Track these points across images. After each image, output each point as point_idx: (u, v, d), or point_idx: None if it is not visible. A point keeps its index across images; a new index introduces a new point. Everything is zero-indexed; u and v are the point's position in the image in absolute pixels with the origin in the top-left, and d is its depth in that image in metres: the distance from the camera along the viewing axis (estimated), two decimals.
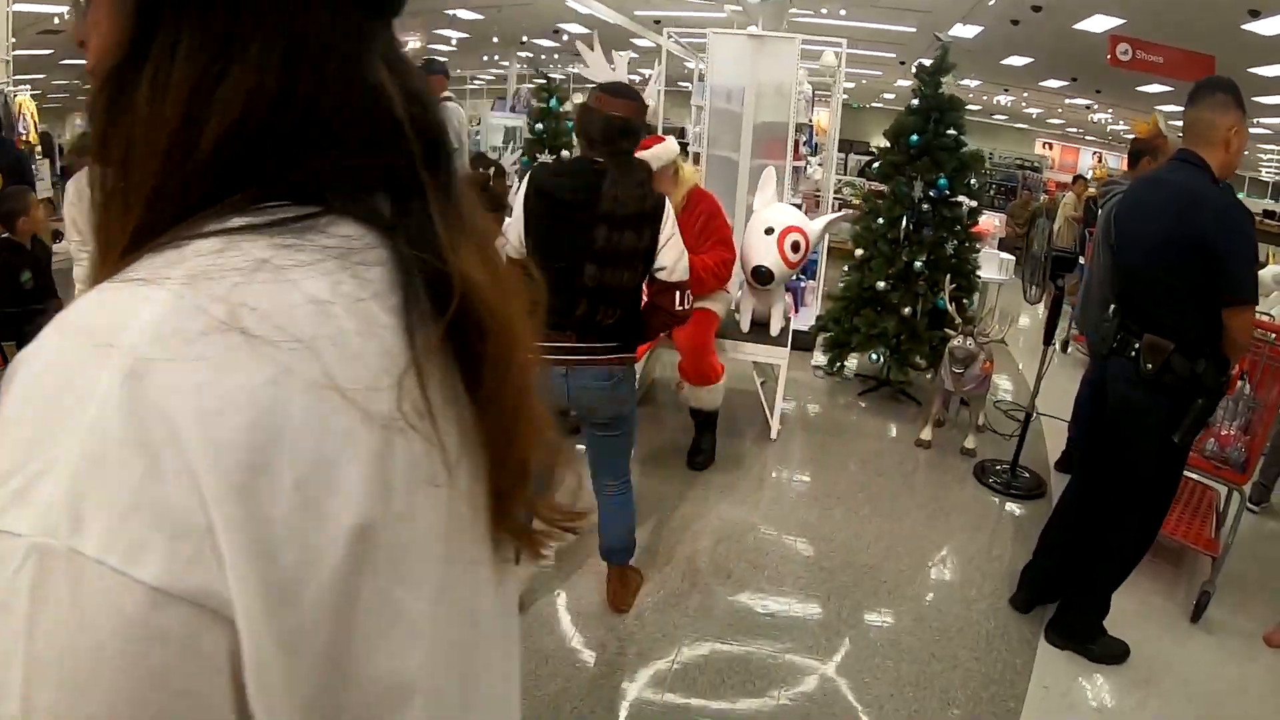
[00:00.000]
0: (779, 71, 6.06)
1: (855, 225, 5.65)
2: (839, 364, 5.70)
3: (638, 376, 5.06)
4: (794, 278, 6.75)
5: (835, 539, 3.88)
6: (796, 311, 6.88)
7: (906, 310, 5.30)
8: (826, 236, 6.71)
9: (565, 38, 18.06)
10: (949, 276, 4.99)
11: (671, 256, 2.86)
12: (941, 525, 4.10)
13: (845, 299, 5.64)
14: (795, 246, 4.52)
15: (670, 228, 2.85)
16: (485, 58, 21.13)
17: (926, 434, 4.97)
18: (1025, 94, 19.95)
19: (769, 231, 4.54)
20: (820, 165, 7.90)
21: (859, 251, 5.56)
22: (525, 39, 18.60)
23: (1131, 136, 4.49)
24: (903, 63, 16.95)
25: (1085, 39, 11.57)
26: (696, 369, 4.38)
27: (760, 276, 4.51)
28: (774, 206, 4.73)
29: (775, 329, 4.80)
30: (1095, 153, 26.58)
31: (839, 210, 7.79)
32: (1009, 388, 6.38)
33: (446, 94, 5.73)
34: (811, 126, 8.05)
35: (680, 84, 16.50)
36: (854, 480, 4.52)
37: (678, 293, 2.91)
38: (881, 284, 5.34)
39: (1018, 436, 4.54)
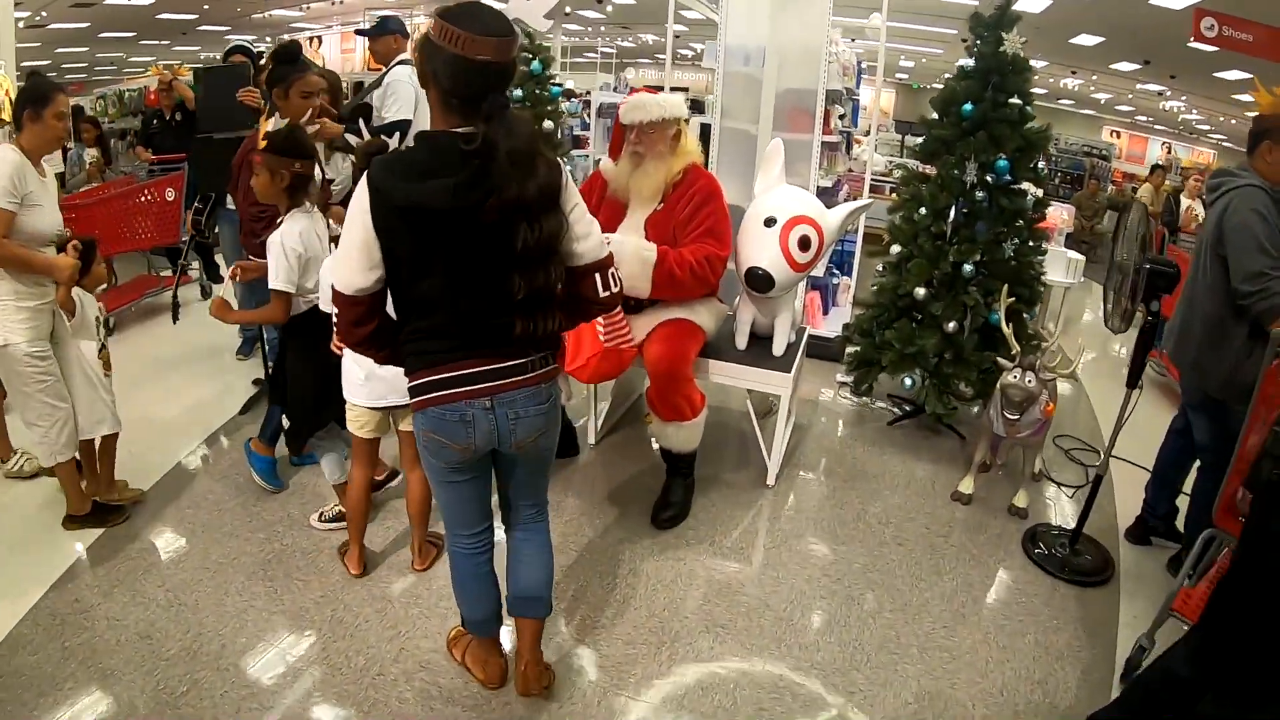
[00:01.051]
0: (805, 30, 4.85)
1: (893, 216, 4.44)
2: (866, 385, 4.52)
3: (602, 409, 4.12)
4: (825, 272, 5.73)
5: (821, 650, 2.76)
6: (826, 313, 5.69)
7: (951, 325, 4.09)
8: (862, 223, 5.49)
9: (610, 8, 16.91)
10: (1006, 286, 3.75)
11: (583, 230, 2.06)
12: (971, 627, 2.93)
13: (876, 307, 4.44)
14: (804, 243, 3.35)
15: (574, 194, 2.06)
16: (530, 29, 20.02)
17: (967, 486, 3.78)
18: (1094, 77, 18.33)
19: (770, 223, 3.38)
20: (870, 147, 6.65)
21: (895, 249, 4.35)
22: (569, 10, 17.44)
23: (1253, 114, 3.18)
24: (965, 40, 15.49)
25: (1162, 16, 10.43)
26: (666, 400, 3.28)
27: (756, 282, 3.36)
28: (779, 190, 3.56)
29: (779, 347, 3.65)
30: (1165, 143, 24.69)
31: (860, 198, 6.56)
32: (1072, 416, 5.06)
33: (403, 56, 4.75)
34: (856, 102, 6.79)
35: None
36: (865, 550, 3.36)
37: (597, 275, 2.10)
38: (921, 291, 4.14)
39: (1083, 495, 3.35)
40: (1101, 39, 13.63)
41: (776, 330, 3.64)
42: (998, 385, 3.44)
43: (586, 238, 2.04)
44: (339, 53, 18.01)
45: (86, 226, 5.65)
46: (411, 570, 3.04)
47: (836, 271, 5.99)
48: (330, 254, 2.88)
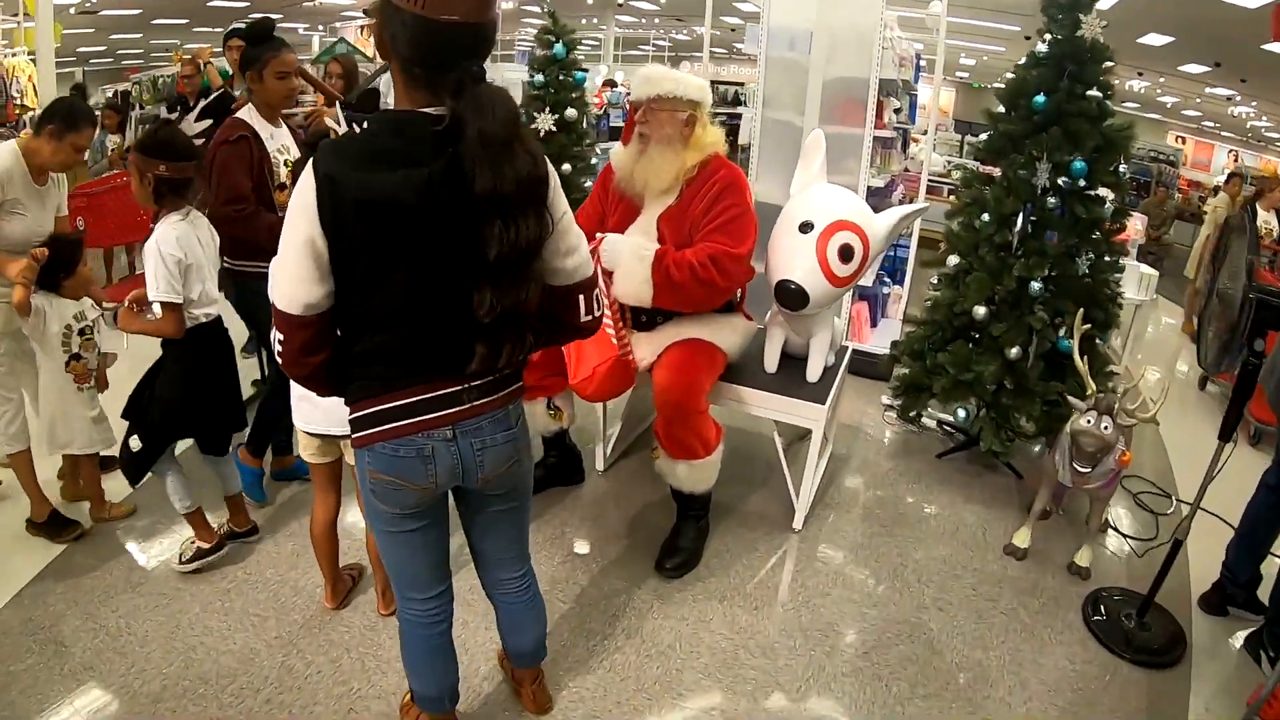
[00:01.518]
0: (857, 12, 4.30)
1: (951, 221, 3.87)
2: (914, 413, 3.97)
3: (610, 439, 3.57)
4: (874, 280, 5.15)
5: None
6: (874, 325, 5.12)
7: (1013, 351, 3.51)
8: (918, 227, 4.90)
9: (664, 1, 16.44)
10: (1081, 311, 3.16)
11: (571, 243, 1.68)
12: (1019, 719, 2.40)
13: (929, 325, 3.86)
14: (846, 253, 2.82)
15: (562, 200, 1.66)
16: (584, 20, 19.64)
17: (1022, 539, 3.20)
18: (1161, 79, 17.38)
19: (805, 229, 2.86)
20: (929, 145, 6.06)
21: (953, 259, 3.77)
22: (621, 1, 17.02)
23: None
24: (1028, 38, 14.74)
25: (1237, 15, 9.54)
26: (674, 436, 2.79)
27: (786, 298, 2.84)
28: (818, 190, 3.02)
29: (814, 372, 3.12)
30: (1231, 150, 23.48)
31: (914, 202, 5.96)
32: (1137, 449, 4.36)
33: None
34: (914, 98, 6.19)
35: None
36: (900, 616, 2.82)
37: (581, 297, 1.73)
38: (981, 310, 3.56)
39: (1154, 552, 2.75)
40: (1171, 39, 12.84)
41: (812, 352, 3.11)
42: (1067, 429, 2.88)
43: (574, 252, 1.67)
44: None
45: (97, 214, 5.36)
46: (377, 613, 2.64)
47: (888, 280, 5.40)
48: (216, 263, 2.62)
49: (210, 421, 2.79)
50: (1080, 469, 2.81)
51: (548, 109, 4.68)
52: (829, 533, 3.26)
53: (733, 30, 15.85)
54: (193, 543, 2.84)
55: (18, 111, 6.29)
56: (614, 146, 3.04)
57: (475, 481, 1.73)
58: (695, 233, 2.78)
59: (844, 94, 4.42)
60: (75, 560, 2.89)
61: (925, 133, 7.02)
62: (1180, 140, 24.44)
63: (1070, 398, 2.93)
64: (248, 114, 3.00)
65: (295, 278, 1.49)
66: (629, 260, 2.71)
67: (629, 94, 4.42)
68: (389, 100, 4.17)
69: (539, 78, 4.71)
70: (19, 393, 2.96)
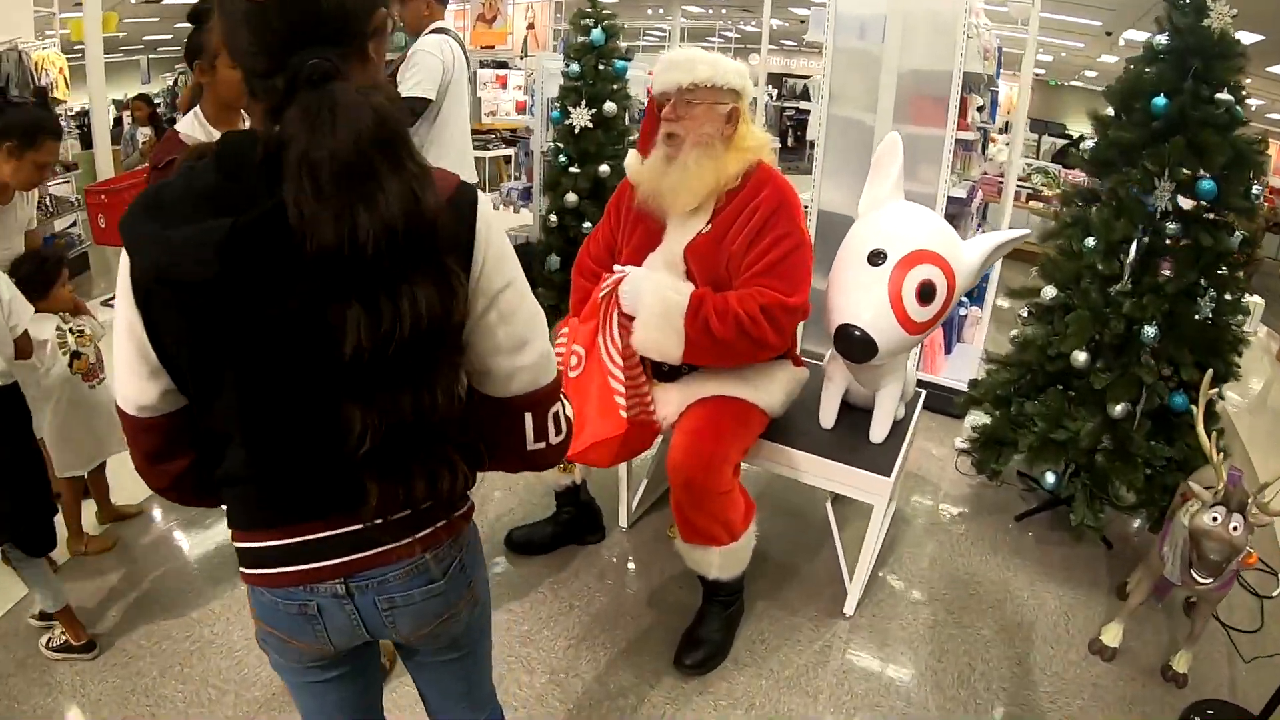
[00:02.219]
0: None
1: (1048, 245, 3.20)
2: (992, 467, 3.31)
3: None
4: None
5: None
6: (949, 351, 4.44)
7: (1119, 408, 2.85)
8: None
9: None
10: (1210, 373, 2.45)
11: (515, 333, 1.08)
12: None
13: (1017, 367, 3.21)
14: (926, 292, 2.20)
15: (500, 259, 1.05)
16: (650, 10, 18.96)
17: (1112, 636, 2.54)
18: (1247, 80, 16.16)
19: (876, 259, 2.24)
20: (1007, 145, 5.34)
21: (1048, 291, 3.11)
22: None
23: None
24: (1109, 33, 13.72)
25: None
26: (689, 517, 2.23)
27: (850, 347, 2.22)
28: (893, 210, 2.39)
29: (879, 431, 2.51)
30: None
31: (999, 203, 5.23)
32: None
33: (439, 24, 3.78)
34: (996, 91, 5.46)
35: None
36: None
37: (530, 416, 1.12)
38: (1081, 356, 2.90)
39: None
40: (1261, 37, 11.80)
41: (878, 407, 2.50)
42: (1183, 520, 2.22)
43: (522, 349, 1.07)
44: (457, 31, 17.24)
45: (119, 213, 5.01)
46: None
47: (965, 300, 4.70)
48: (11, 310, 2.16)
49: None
50: (1200, 578, 2.16)
51: (584, 102, 4.11)
52: (885, 621, 2.65)
53: (801, 22, 15.09)
54: (62, 633, 2.40)
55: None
56: (629, 156, 2.44)
57: (396, 639, 1.23)
58: (734, 270, 2.19)
59: (921, 89, 3.77)
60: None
61: (1003, 130, 6.33)
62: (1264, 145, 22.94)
63: (1193, 486, 2.25)
64: (190, 124, 2.34)
65: (124, 371, 1.04)
66: (654, 305, 2.13)
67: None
68: (401, 92, 3.66)
69: (574, 67, 4.13)
70: None
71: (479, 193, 1.01)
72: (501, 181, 8.27)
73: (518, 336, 1.05)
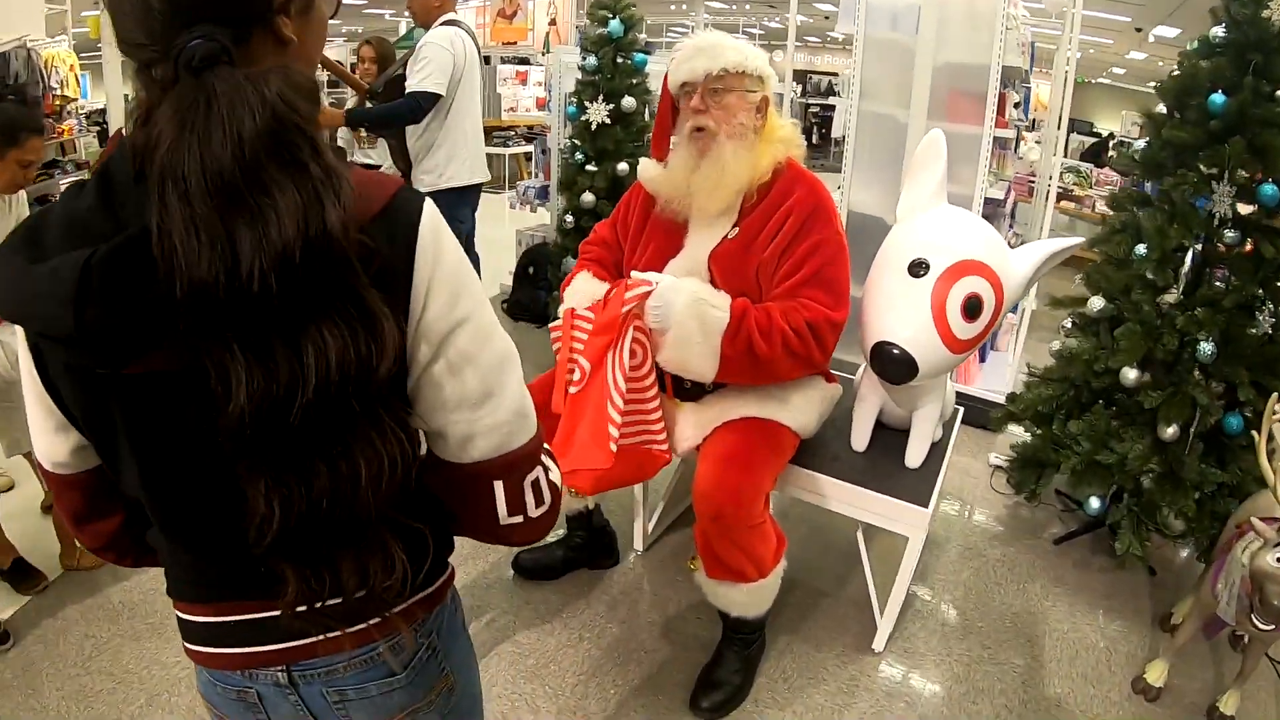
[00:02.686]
0: None
1: (1093, 251, 2.95)
2: (1030, 489, 3.05)
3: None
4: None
5: None
6: (983, 360, 4.19)
7: (1170, 429, 2.60)
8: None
9: None
10: (1276, 396, 2.21)
11: (473, 387, 0.82)
12: None
13: (1060, 383, 2.94)
14: (972, 306, 1.96)
15: (447, 285, 0.80)
16: (673, 6, 18.69)
17: (1157, 675, 2.29)
18: None
19: (918, 270, 2.00)
20: (1038, 143, 5.07)
21: (1095, 302, 2.85)
22: None
23: None
24: (1138, 29, 13.32)
25: None
26: (715, 552, 1.99)
27: (887, 366, 1.98)
28: (936, 215, 2.16)
29: (915, 456, 2.28)
30: None
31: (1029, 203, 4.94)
32: None
33: (450, 15, 3.62)
34: (1029, 87, 5.20)
35: None
36: None
37: (500, 486, 0.85)
38: (1131, 373, 2.65)
39: None
40: None
41: (915, 430, 2.27)
42: (1244, 562, 1.96)
43: (481, 405, 0.83)
44: (476, 28, 16.97)
45: None
46: None
47: None
48: None
49: None
50: (1262, 624, 1.92)
51: (601, 97, 3.88)
52: (917, 657, 2.41)
53: (826, 18, 14.79)
54: None
55: (57, 104, 5.84)
56: (642, 162, 2.20)
57: None
58: (765, 279, 1.97)
59: (957, 84, 3.52)
60: (32, 618, 2.45)
61: (1031, 128, 6.04)
62: None
63: (1256, 522, 1.99)
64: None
65: (33, 422, 0.86)
66: (689, 321, 1.88)
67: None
68: (409, 86, 3.47)
69: (591, 60, 3.90)
70: None
71: (426, 203, 0.79)
72: (521, 179, 8.07)
73: (476, 390, 0.82)
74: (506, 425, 0.84)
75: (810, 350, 1.91)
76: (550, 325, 2.12)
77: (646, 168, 2.15)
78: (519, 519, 0.88)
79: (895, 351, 1.93)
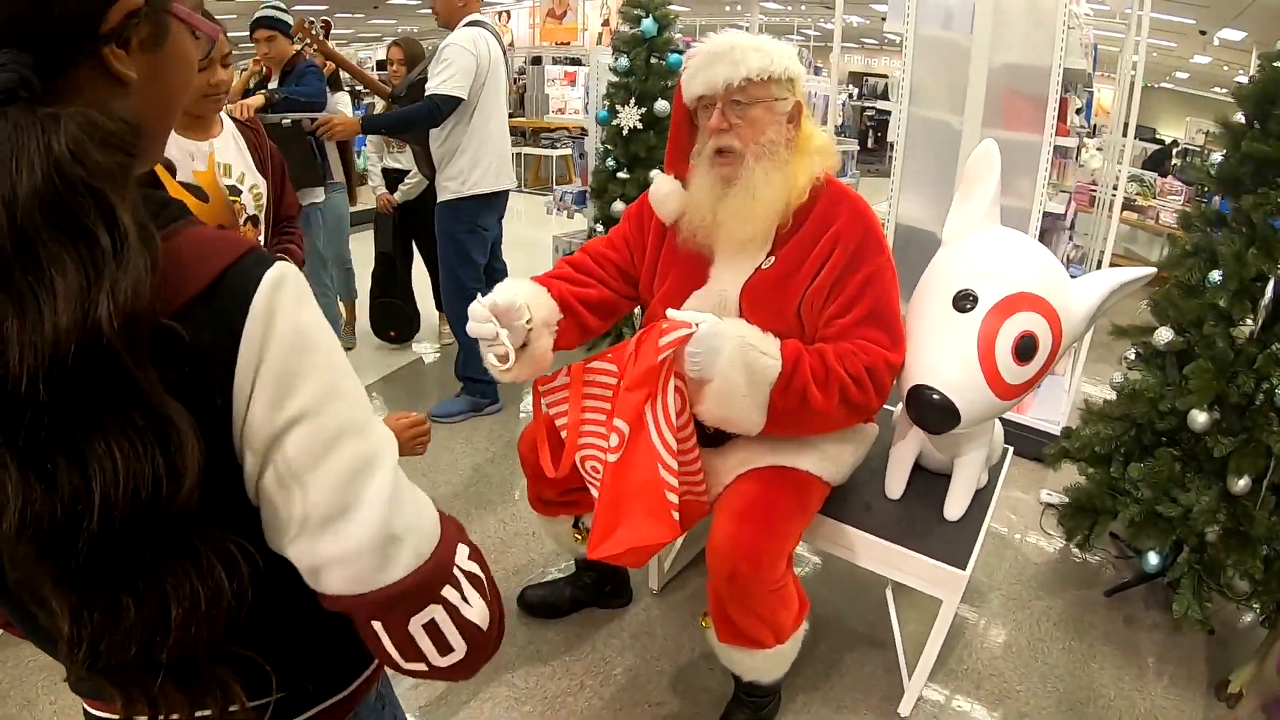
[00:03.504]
0: None
1: (1162, 273, 2.62)
2: (1082, 537, 2.69)
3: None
4: None
5: None
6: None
7: (1241, 482, 2.27)
8: (1110, 247, 3.58)
9: None
10: None
11: (317, 504, 0.61)
12: None
13: (1121, 422, 2.60)
14: (1025, 347, 1.68)
15: (284, 364, 0.59)
16: (727, 7, 18.33)
17: None
18: None
19: (964, 304, 1.72)
20: (1100, 150, 4.69)
21: (1162, 334, 2.52)
22: None
23: None
24: (1203, 32, 12.65)
25: None
26: (729, 615, 1.73)
27: (925, 413, 1.70)
28: (987, 239, 1.87)
29: (955, 508, 1.99)
30: None
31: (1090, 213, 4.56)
32: None
33: (475, 16, 3.40)
34: (1092, 92, 4.81)
35: None
36: None
37: (378, 627, 0.64)
38: (1202, 416, 2.32)
39: None
40: None
41: (956, 479, 1.99)
42: None
43: (325, 529, 0.62)
44: (527, 29, 16.75)
45: None
46: None
47: None
48: None
49: None
50: None
51: (633, 100, 3.62)
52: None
53: (882, 19, 14.36)
54: None
55: None
56: (655, 178, 1.91)
57: None
58: (810, 316, 1.71)
59: (1015, 86, 3.20)
60: None
61: (1091, 134, 5.64)
62: None
63: None
64: None
65: None
66: (735, 372, 1.59)
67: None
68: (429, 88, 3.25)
69: (623, 61, 3.64)
70: None
71: (270, 274, 0.58)
72: (569, 182, 7.85)
73: (316, 510, 0.61)
74: (361, 558, 0.62)
75: (869, 399, 1.65)
76: (537, 379, 1.80)
77: (660, 187, 1.86)
78: (421, 666, 0.67)
79: (935, 397, 1.65)
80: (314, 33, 3.69)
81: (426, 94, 3.22)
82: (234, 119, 2.10)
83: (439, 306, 4.71)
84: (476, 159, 3.37)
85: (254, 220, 2.02)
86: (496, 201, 3.55)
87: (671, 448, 1.59)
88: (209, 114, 2.00)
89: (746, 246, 1.76)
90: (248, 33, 3.69)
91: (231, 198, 1.96)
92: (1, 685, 2.10)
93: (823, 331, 1.71)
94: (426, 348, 4.77)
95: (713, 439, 1.86)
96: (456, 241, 3.50)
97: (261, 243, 2.04)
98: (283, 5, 3.75)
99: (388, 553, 0.63)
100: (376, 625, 0.65)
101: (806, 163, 1.71)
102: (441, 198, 3.49)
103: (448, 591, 0.67)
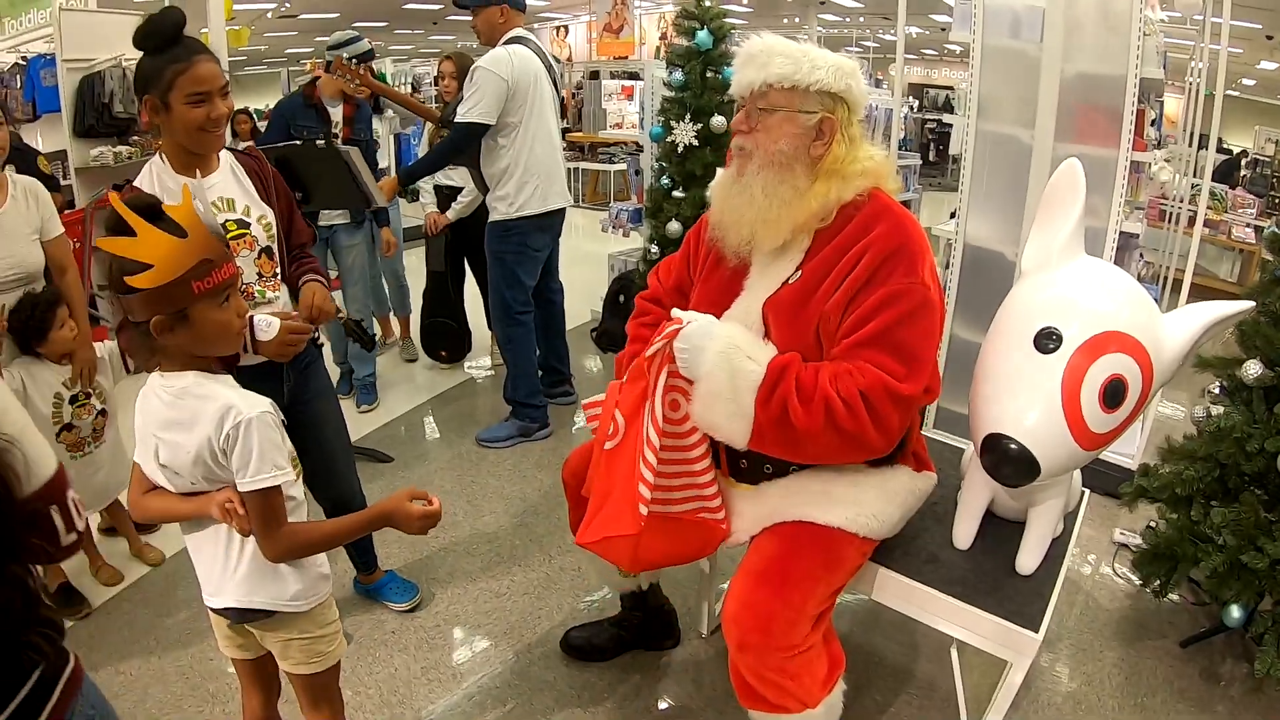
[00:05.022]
0: None
1: (1249, 301, 2.36)
2: (1161, 583, 2.44)
3: None
4: None
5: None
6: None
7: None
8: (1189, 273, 3.28)
9: None
10: None
11: None
12: None
13: (1204, 463, 2.33)
14: (1114, 393, 1.47)
15: None
16: (785, 19, 18.06)
17: None
18: None
19: (1047, 343, 1.51)
20: (1168, 162, 4.38)
21: (1252, 368, 2.24)
22: None
23: None
24: (1270, 37, 12.04)
25: None
26: (745, 681, 1.58)
27: (1001, 463, 1.49)
28: (1073, 271, 1.64)
29: (1029, 560, 1.76)
30: None
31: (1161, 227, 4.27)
32: None
33: (517, 32, 3.30)
34: (1163, 102, 4.50)
35: None
36: None
37: None
38: None
39: None
40: None
41: (1032, 527, 1.77)
42: None
43: None
44: (585, 43, 16.68)
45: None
46: None
47: None
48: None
49: None
50: None
51: (688, 116, 3.45)
52: None
53: (943, 30, 13.97)
54: None
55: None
56: (717, 178, 1.80)
57: None
58: (827, 335, 1.55)
59: (1088, 99, 2.94)
60: (72, 642, 2.28)
61: (1159, 145, 5.30)
62: None
63: None
64: (151, 175, 1.79)
65: None
66: (718, 372, 1.51)
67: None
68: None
69: (677, 75, 3.47)
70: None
71: None
72: (626, 197, 7.71)
73: None
74: None
75: (863, 428, 1.46)
76: (585, 403, 1.78)
77: (716, 178, 1.78)
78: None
79: (1013, 447, 1.45)
80: (352, 67, 3.59)
81: (455, 121, 3.13)
82: (231, 150, 1.93)
83: (490, 326, 4.62)
84: (523, 181, 3.25)
85: (267, 252, 1.88)
86: (548, 221, 3.42)
87: (654, 444, 1.53)
88: (209, 151, 1.82)
89: (776, 259, 1.63)
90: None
91: (239, 231, 1.83)
92: None
93: (831, 350, 1.55)
94: (480, 368, 4.67)
95: (748, 475, 1.73)
96: (504, 263, 3.39)
97: (278, 274, 1.91)
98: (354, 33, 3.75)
99: None
100: None
101: (830, 185, 1.57)
102: (491, 218, 3.38)
103: None
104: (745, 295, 1.67)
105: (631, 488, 1.54)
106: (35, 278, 2.35)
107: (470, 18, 3.37)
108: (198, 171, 1.78)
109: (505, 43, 3.20)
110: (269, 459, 1.30)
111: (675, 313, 1.59)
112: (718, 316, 1.64)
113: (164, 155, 1.79)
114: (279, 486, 1.32)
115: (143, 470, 1.41)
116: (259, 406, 1.32)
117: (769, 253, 1.63)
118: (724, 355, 1.50)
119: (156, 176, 1.77)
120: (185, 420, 1.30)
